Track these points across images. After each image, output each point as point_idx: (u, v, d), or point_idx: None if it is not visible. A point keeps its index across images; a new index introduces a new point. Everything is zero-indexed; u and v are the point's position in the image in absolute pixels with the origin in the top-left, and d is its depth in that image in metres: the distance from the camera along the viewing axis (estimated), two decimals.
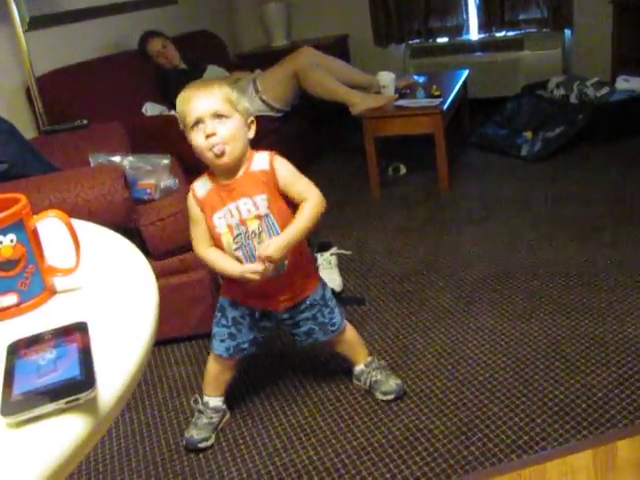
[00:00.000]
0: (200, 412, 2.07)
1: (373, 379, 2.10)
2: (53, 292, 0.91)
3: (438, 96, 3.71)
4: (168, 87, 4.01)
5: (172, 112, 3.82)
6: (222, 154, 1.70)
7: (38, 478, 0.57)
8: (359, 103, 3.79)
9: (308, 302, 1.94)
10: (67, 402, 0.62)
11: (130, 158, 2.56)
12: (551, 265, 2.76)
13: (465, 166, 4.13)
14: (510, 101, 4.53)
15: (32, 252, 0.88)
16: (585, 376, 2.04)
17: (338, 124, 4.57)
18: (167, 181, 2.55)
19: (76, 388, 0.63)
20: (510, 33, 5.11)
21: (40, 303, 0.88)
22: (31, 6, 3.44)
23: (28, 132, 3.11)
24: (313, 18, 5.56)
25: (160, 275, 2.32)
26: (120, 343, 0.76)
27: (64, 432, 0.61)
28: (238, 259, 1.81)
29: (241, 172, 1.78)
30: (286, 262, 1.82)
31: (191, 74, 4.08)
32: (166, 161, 2.62)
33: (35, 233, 0.89)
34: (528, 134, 4.14)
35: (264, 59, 4.64)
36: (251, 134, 1.78)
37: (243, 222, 1.77)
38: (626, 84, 4.23)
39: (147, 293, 0.88)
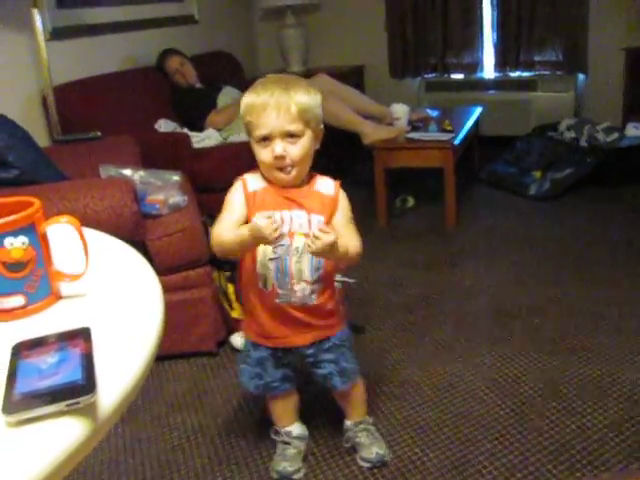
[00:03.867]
0: (286, 443, 1.94)
1: (357, 440, 1.96)
2: (59, 297, 0.92)
3: (450, 131, 3.74)
4: (182, 105, 4.05)
5: (185, 130, 3.85)
6: (288, 174, 1.60)
7: (33, 478, 0.57)
8: (371, 133, 3.81)
9: (333, 341, 1.81)
10: (67, 405, 0.63)
11: (141, 172, 2.58)
12: (553, 305, 2.76)
13: (473, 202, 4.15)
14: (521, 140, 4.56)
15: (42, 255, 0.89)
16: (581, 417, 2.03)
17: (349, 153, 4.59)
18: (176, 197, 2.56)
19: (77, 392, 0.64)
20: (524, 73, 5.16)
21: (46, 306, 0.89)
22: (55, 17, 3.50)
23: (41, 140, 3.13)
24: (330, 46, 5.61)
25: (163, 291, 2.32)
26: (123, 352, 0.76)
27: (63, 434, 0.62)
28: (265, 270, 1.67)
29: (302, 185, 1.67)
30: (314, 295, 1.71)
31: (206, 93, 4.13)
32: (176, 178, 2.64)
33: (45, 237, 0.90)
34: (537, 174, 4.16)
35: None
36: (318, 144, 1.65)
37: (291, 234, 1.64)
38: (636, 131, 4.26)
39: (153, 305, 0.89)
